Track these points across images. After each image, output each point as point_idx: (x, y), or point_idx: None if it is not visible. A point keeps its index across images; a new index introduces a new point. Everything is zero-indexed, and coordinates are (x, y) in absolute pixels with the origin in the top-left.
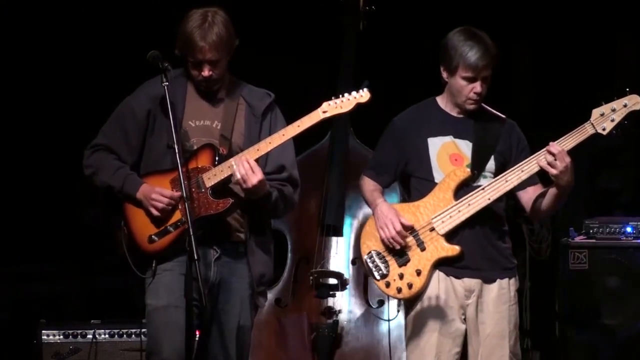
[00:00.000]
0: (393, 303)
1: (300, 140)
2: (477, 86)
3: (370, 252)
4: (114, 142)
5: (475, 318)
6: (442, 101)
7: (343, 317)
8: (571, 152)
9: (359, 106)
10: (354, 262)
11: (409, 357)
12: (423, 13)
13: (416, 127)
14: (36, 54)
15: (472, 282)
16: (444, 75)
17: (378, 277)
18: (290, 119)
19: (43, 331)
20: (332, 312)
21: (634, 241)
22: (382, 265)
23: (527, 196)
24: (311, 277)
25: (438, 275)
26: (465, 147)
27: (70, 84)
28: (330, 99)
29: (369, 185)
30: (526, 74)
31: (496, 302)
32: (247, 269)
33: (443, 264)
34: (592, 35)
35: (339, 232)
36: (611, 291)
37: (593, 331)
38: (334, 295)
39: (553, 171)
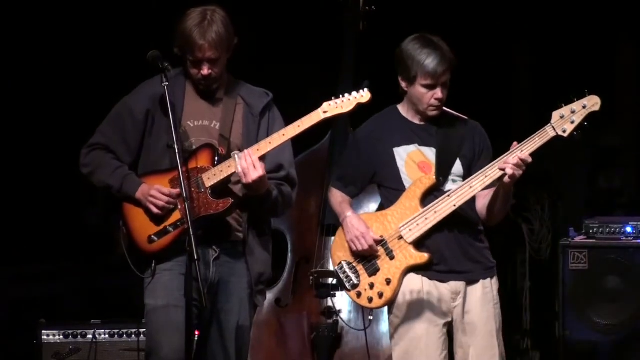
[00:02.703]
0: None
1: (300, 140)
2: (438, 92)
3: (340, 263)
4: (111, 142)
5: (463, 320)
6: (403, 109)
7: (343, 317)
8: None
9: (359, 106)
10: None
11: None
12: (423, 13)
13: (380, 137)
14: (36, 54)
15: (458, 285)
16: (403, 85)
17: (349, 288)
18: (290, 119)
19: (43, 331)
20: (332, 312)
21: (634, 241)
22: (352, 276)
23: (484, 200)
24: (311, 277)
25: (422, 280)
26: (431, 154)
27: (71, 84)
28: (331, 99)
29: (337, 197)
30: (526, 74)
31: (482, 302)
32: (246, 269)
33: (416, 271)
34: (592, 36)
35: None
36: (611, 291)
37: (593, 331)
38: (334, 295)
39: (508, 179)
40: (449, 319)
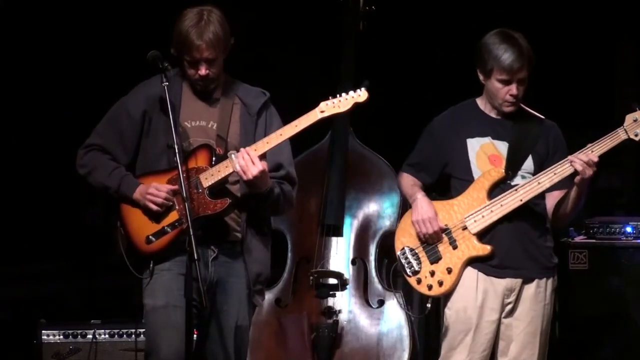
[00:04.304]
0: (393, 303)
1: (300, 140)
2: (513, 88)
3: (403, 249)
4: (108, 143)
5: (510, 315)
6: (481, 102)
7: (343, 317)
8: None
9: (357, 106)
10: (354, 262)
11: (442, 353)
12: (423, 13)
13: (455, 128)
14: (36, 54)
15: (514, 282)
16: (480, 77)
17: (410, 274)
18: (290, 120)
19: (43, 331)
20: (332, 312)
21: (634, 241)
22: (414, 262)
23: (552, 199)
24: (311, 277)
25: (477, 275)
26: (503, 148)
27: (70, 84)
28: (328, 99)
29: (408, 180)
30: None
31: (532, 300)
32: (244, 268)
33: (476, 262)
34: (592, 36)
35: (339, 232)
36: (611, 291)
37: (593, 331)
38: (334, 295)
39: (581, 173)
40: (500, 315)
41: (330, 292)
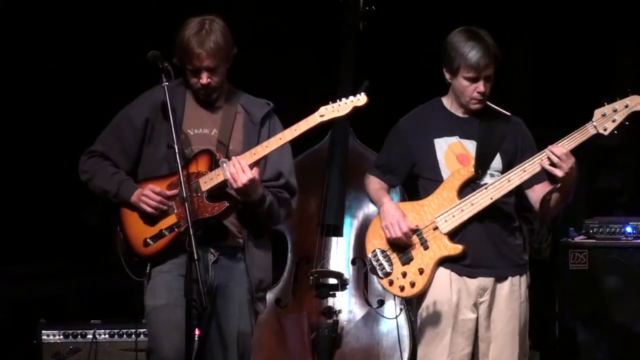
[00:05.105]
0: (393, 303)
1: (300, 141)
2: (480, 86)
3: (374, 251)
4: (110, 150)
5: (488, 315)
6: (447, 102)
7: (343, 317)
8: (572, 152)
9: (356, 109)
10: (354, 262)
11: (420, 355)
12: (423, 13)
13: (422, 128)
14: (38, 56)
15: (486, 281)
16: (447, 76)
17: (382, 276)
18: (289, 120)
19: (43, 331)
20: (332, 312)
21: (634, 241)
22: (385, 264)
23: (535, 195)
24: (311, 277)
25: (450, 275)
26: (471, 147)
27: (71, 85)
28: (328, 103)
29: (374, 184)
30: (526, 74)
31: (508, 299)
32: (246, 274)
33: (448, 262)
34: (592, 36)
35: (339, 232)
36: (611, 291)
37: (593, 331)
38: (334, 295)
39: (559, 173)
40: (475, 315)
41: (330, 292)
